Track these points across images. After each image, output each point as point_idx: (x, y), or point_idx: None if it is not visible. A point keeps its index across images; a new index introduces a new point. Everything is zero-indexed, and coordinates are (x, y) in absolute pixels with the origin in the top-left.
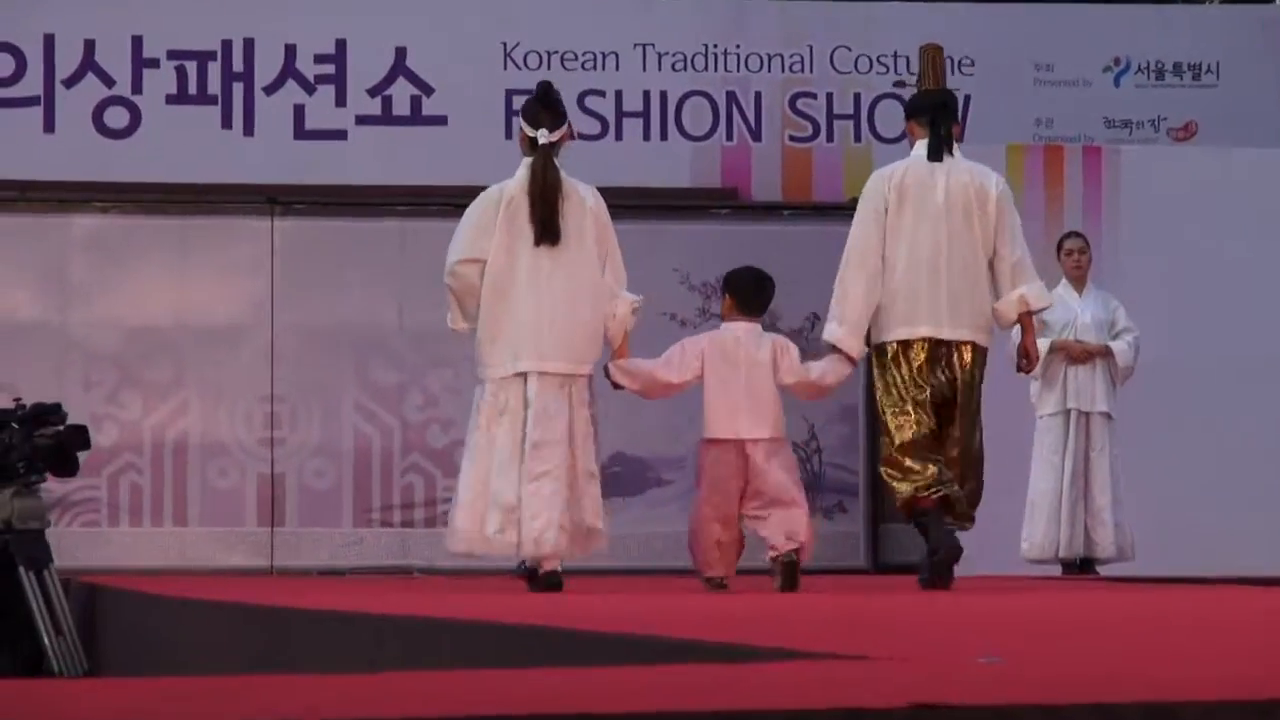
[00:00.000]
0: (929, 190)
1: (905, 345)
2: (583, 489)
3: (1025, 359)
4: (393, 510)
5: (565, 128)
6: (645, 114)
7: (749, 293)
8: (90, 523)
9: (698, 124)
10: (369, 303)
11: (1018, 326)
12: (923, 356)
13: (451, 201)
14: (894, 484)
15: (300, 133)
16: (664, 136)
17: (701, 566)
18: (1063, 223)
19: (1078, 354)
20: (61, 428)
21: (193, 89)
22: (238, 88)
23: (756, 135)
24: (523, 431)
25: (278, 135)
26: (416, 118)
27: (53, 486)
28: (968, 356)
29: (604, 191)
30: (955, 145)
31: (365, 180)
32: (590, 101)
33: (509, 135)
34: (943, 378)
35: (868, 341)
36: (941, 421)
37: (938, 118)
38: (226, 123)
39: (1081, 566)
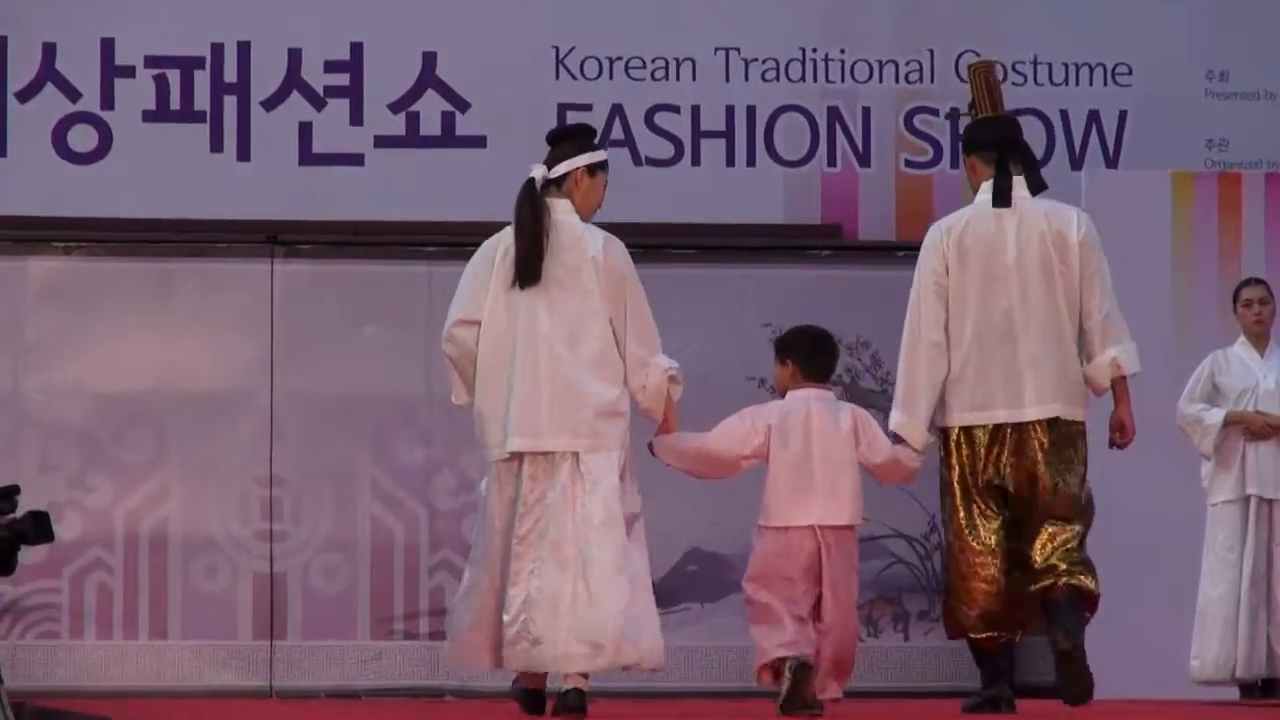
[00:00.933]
0: (997, 245)
1: (969, 431)
2: (607, 591)
3: (1119, 432)
4: (419, 619)
5: (570, 165)
6: (728, 134)
7: (812, 354)
8: (49, 634)
9: (793, 146)
10: (390, 364)
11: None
12: (998, 445)
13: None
14: (950, 604)
15: (307, 157)
16: (751, 162)
17: (763, 649)
18: (1240, 267)
19: (1259, 428)
20: (17, 516)
21: (175, 103)
22: (230, 102)
23: (865, 160)
24: (518, 521)
25: (280, 160)
26: (449, 139)
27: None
28: (1061, 433)
29: (677, 229)
30: (1028, 184)
31: (386, 215)
32: (661, 119)
33: None
34: (1019, 465)
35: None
36: (1022, 522)
37: (1005, 153)
38: (217, 145)
39: (1264, 689)
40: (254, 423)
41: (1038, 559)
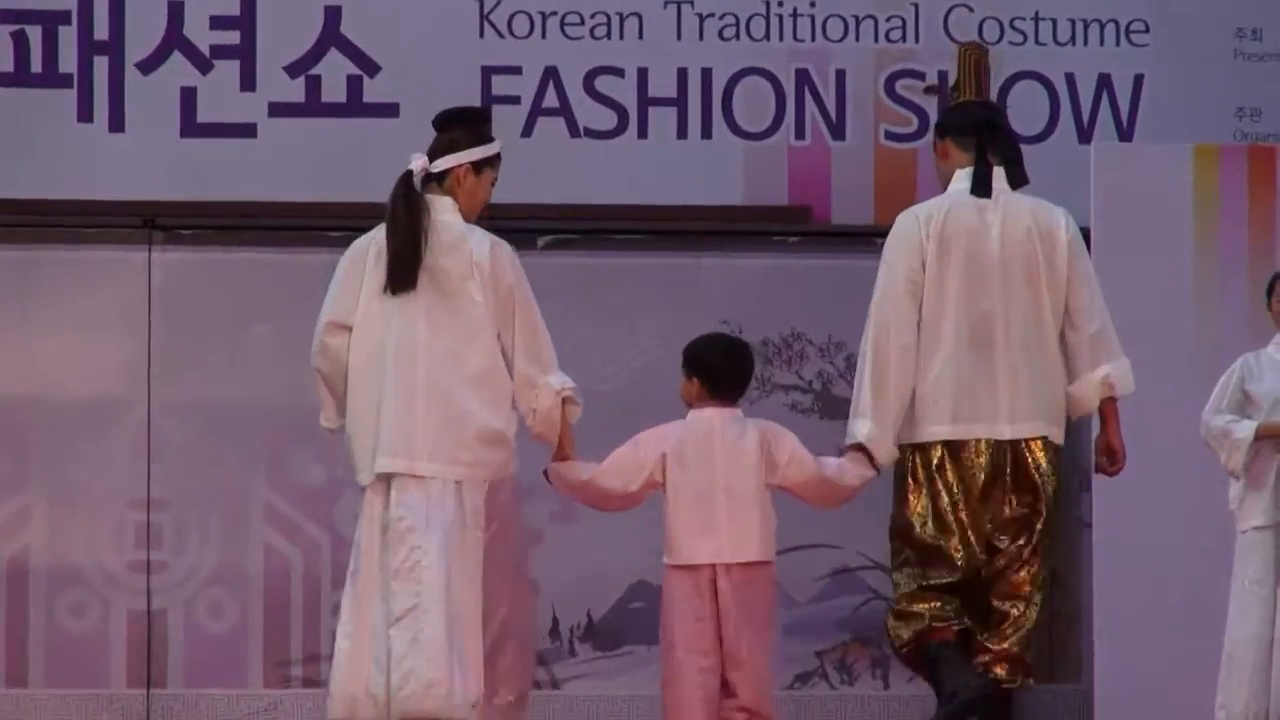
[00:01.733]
0: (979, 239)
1: (953, 448)
2: (471, 636)
3: (1109, 458)
4: (319, 663)
5: (454, 160)
6: (680, 102)
7: (720, 370)
8: None
9: (755, 116)
10: (287, 369)
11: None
12: (981, 463)
13: None
14: (904, 609)
15: (190, 128)
16: (706, 134)
17: None
18: (1274, 256)
19: None
20: None
21: (36, 64)
22: (100, 64)
23: (838, 132)
24: (386, 552)
25: (158, 131)
26: (355, 106)
27: None
28: (1038, 456)
29: (621, 212)
30: (1007, 177)
31: (282, 195)
32: (602, 84)
33: None
34: (1016, 490)
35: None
36: (994, 550)
37: (985, 139)
38: (84, 114)
39: None
40: (129, 437)
41: (993, 639)
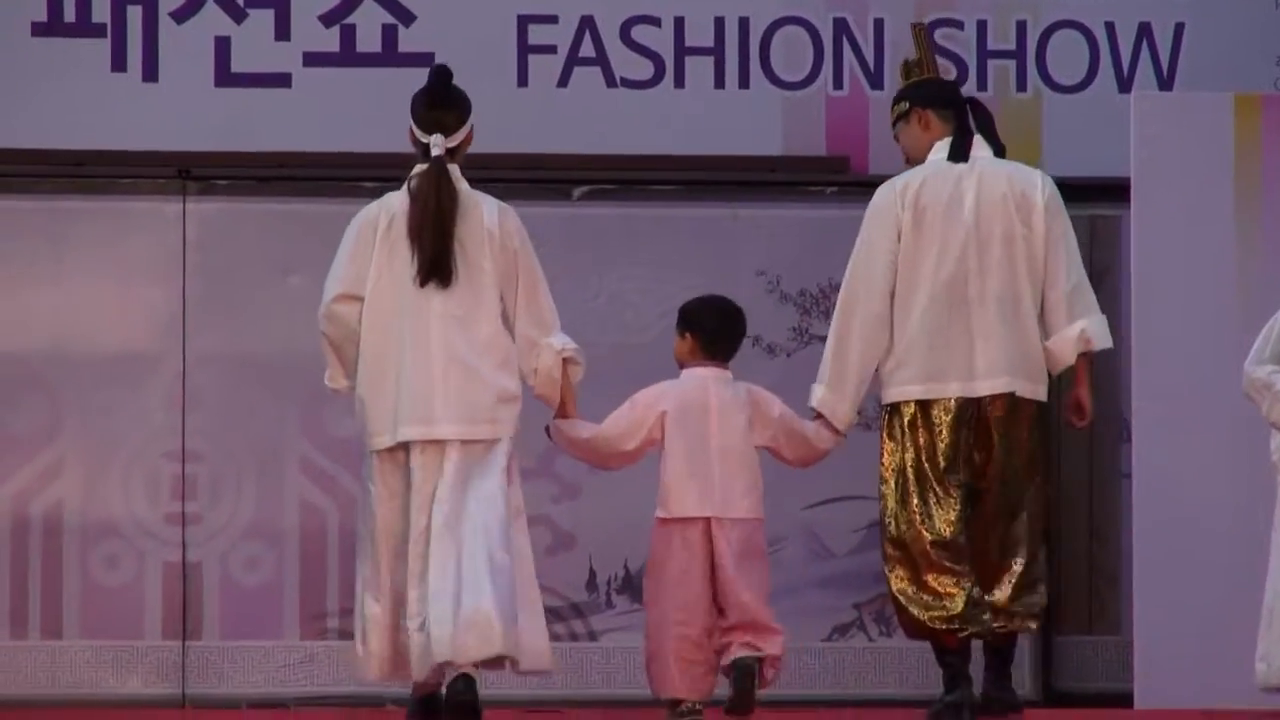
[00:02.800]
0: (955, 205)
1: (926, 406)
2: (494, 584)
3: (1078, 413)
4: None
5: (467, 129)
6: (717, 51)
7: (717, 330)
8: None
9: (793, 65)
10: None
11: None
12: (949, 420)
13: None
14: (901, 604)
15: (224, 78)
16: (744, 83)
17: (660, 687)
18: None
19: None
20: None
21: (70, 14)
22: (135, 13)
23: (876, 81)
24: (408, 516)
25: (192, 81)
26: (390, 56)
27: None
28: (1004, 413)
29: (657, 162)
30: (991, 146)
31: (317, 145)
32: (639, 33)
33: (523, 82)
34: (978, 446)
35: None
36: (976, 505)
37: (965, 110)
38: (119, 63)
39: None
40: (163, 389)
41: (994, 593)
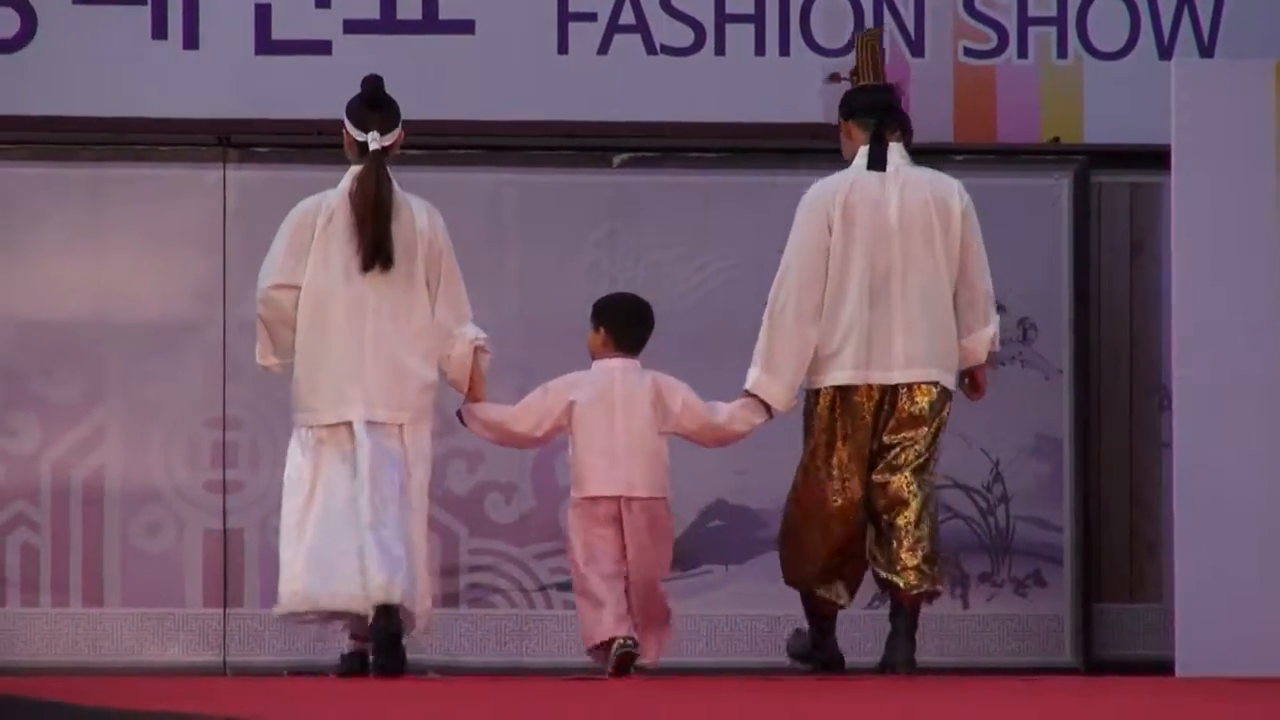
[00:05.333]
0: (881, 208)
1: (846, 392)
2: (410, 551)
3: (976, 390)
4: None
5: (399, 131)
6: (757, 18)
7: (627, 325)
8: None
9: (834, 32)
10: None
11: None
12: (868, 405)
13: (481, 142)
14: (791, 559)
15: (264, 45)
16: (784, 50)
17: (595, 628)
18: None
19: None
20: None
21: None
22: None
23: (917, 49)
24: (351, 487)
25: (232, 48)
26: (430, 24)
27: None
28: (930, 397)
29: (697, 129)
30: (904, 153)
31: None
32: (679, 0)
33: (563, 49)
34: (893, 430)
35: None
36: (878, 480)
37: (884, 120)
38: (159, 30)
39: None
40: (203, 356)
41: (892, 553)
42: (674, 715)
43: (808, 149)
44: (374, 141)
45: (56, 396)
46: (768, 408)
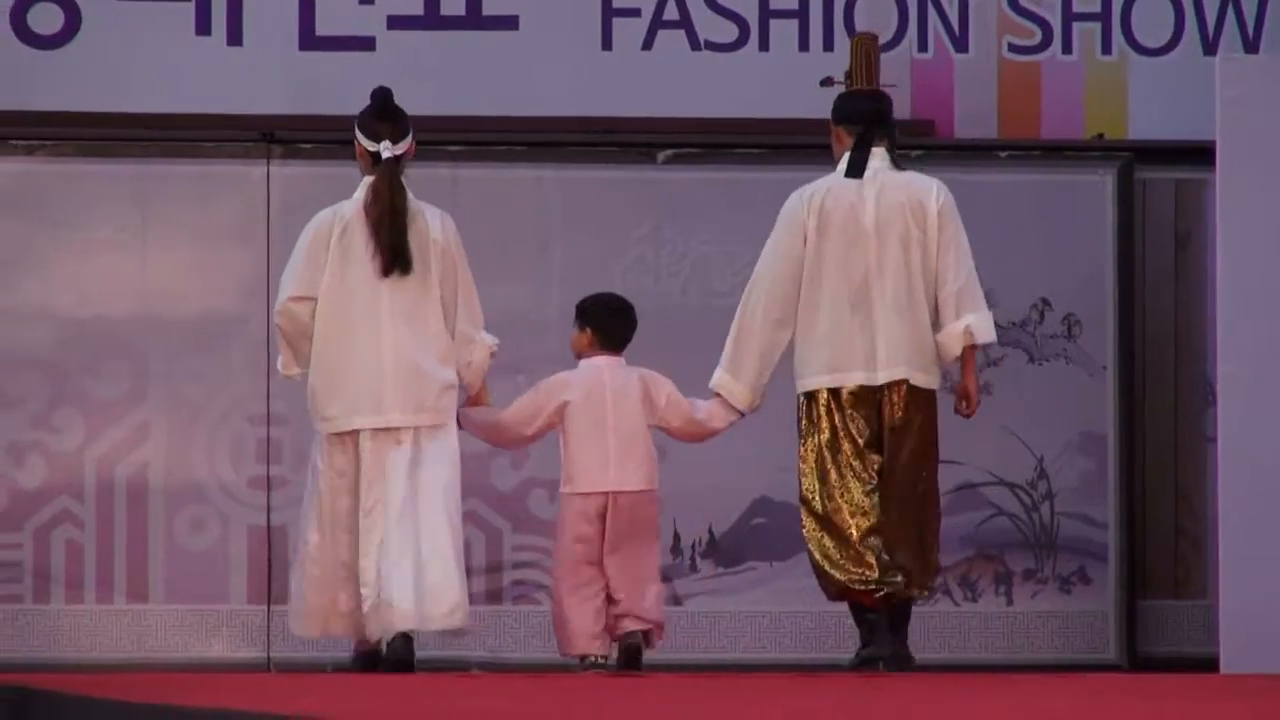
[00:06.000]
0: (856, 213)
1: (836, 393)
2: (439, 564)
3: (965, 401)
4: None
5: (410, 140)
6: (801, 13)
7: (612, 325)
8: (9, 598)
9: (876, 27)
10: None
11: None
12: (857, 405)
13: (524, 138)
14: (825, 569)
15: (309, 41)
16: (828, 45)
17: (567, 647)
18: None
19: None
20: None
21: None
22: None
23: (961, 44)
24: (356, 496)
25: (276, 45)
26: (475, 19)
27: None
28: (901, 399)
29: (741, 125)
30: (890, 158)
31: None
32: None
33: (607, 45)
34: (878, 427)
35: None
36: (879, 478)
37: (870, 128)
38: (203, 27)
39: None
40: (247, 352)
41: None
42: (719, 712)
43: None
44: (386, 151)
45: (101, 393)
46: (735, 409)
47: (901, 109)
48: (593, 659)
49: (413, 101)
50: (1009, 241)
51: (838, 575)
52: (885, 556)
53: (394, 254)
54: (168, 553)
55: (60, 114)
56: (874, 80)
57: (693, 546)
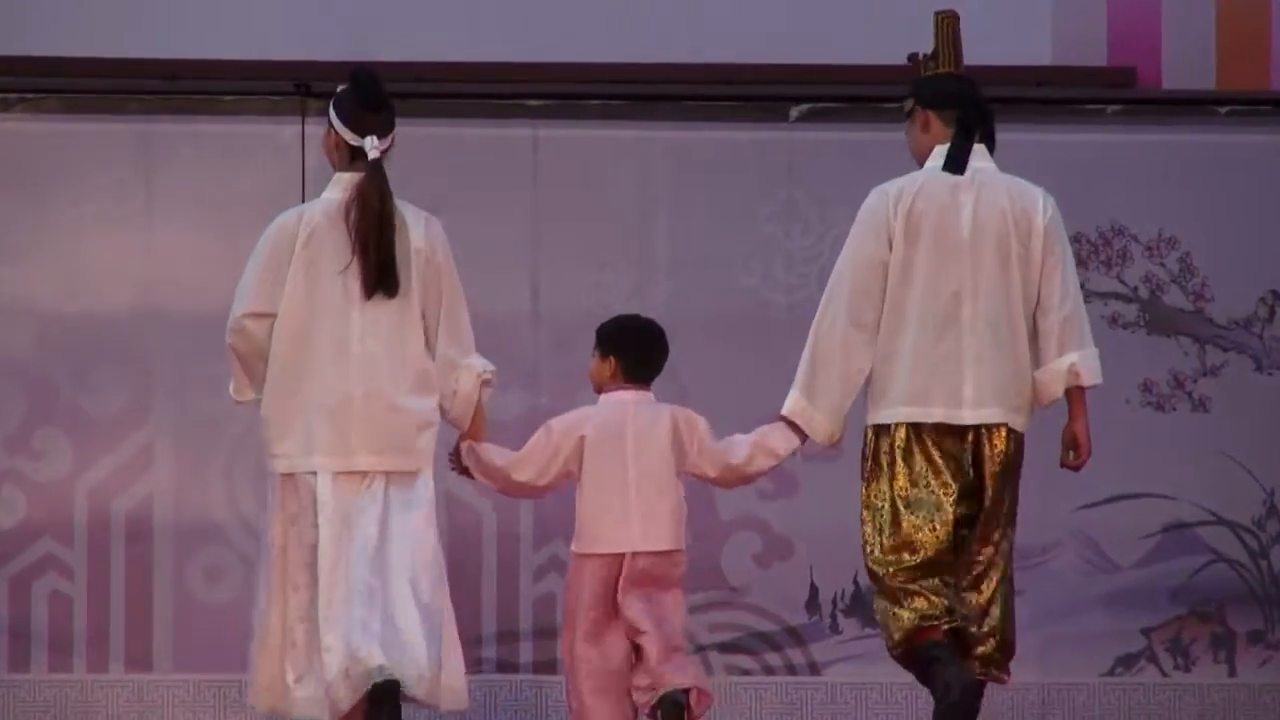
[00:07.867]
0: (951, 218)
1: (917, 429)
2: (410, 624)
3: (1074, 451)
4: (519, 642)
5: (394, 133)
6: None
7: (639, 353)
8: None
9: None
10: (476, 266)
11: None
12: (939, 446)
13: (624, 90)
14: (891, 611)
15: None
16: None
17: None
18: None
19: None
20: None
21: None
22: None
23: None
24: (313, 549)
25: None
26: None
27: None
28: (1000, 446)
29: (898, 73)
30: (988, 156)
31: (463, 56)
32: None
33: None
34: (967, 475)
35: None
36: (959, 535)
37: (969, 115)
38: None
39: None
40: None
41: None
42: None
43: (1034, 98)
44: (372, 149)
45: (93, 408)
46: (803, 436)
47: (1095, 54)
48: None
49: (476, 45)
50: (1229, 220)
51: (906, 616)
52: (959, 606)
53: (382, 271)
54: (177, 608)
55: (47, 60)
56: (959, 64)
57: (833, 602)
